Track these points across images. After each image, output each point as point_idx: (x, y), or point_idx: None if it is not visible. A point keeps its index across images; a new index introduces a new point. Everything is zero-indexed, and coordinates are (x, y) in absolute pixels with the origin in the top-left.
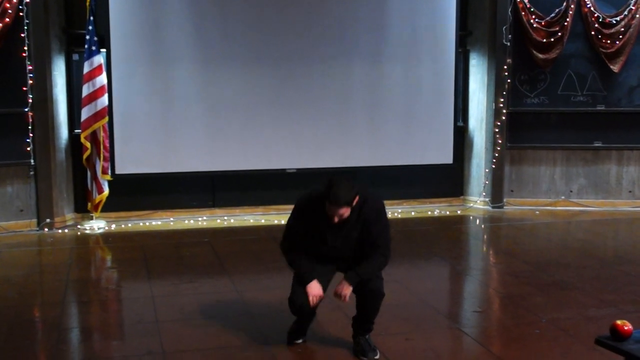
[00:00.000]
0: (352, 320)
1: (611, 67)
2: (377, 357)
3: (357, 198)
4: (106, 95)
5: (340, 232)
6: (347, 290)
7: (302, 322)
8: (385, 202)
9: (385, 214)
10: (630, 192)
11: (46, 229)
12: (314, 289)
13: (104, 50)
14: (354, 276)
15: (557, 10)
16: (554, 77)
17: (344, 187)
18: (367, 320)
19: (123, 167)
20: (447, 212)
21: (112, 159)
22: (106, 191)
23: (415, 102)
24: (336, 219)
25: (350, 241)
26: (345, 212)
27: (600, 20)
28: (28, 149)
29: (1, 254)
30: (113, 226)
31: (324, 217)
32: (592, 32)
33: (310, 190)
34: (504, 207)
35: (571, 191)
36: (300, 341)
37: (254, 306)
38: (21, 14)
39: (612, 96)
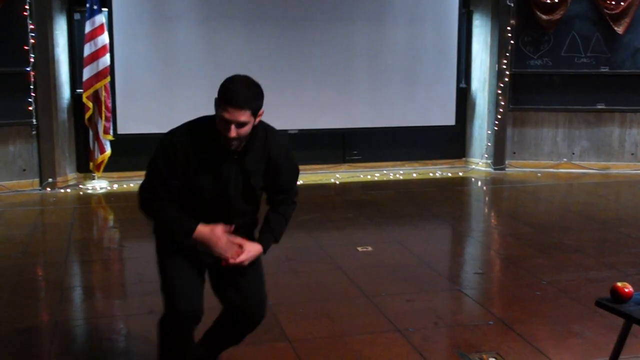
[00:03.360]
0: (206, 333)
1: (615, 28)
2: None
3: (262, 111)
4: (108, 55)
5: (239, 170)
6: (253, 255)
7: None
8: (387, 163)
9: (293, 155)
10: (632, 154)
11: (48, 189)
12: (217, 228)
13: (105, 9)
14: (269, 237)
15: None
16: (558, 39)
17: (244, 84)
18: (225, 345)
19: (125, 126)
20: (449, 174)
21: (114, 119)
22: (108, 151)
23: (418, 63)
24: (233, 133)
25: (248, 190)
26: (246, 119)
27: None
28: (30, 108)
29: (4, 213)
30: (115, 186)
31: (213, 150)
32: None
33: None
34: (506, 169)
35: (573, 153)
36: None
37: None
38: None
39: (616, 58)
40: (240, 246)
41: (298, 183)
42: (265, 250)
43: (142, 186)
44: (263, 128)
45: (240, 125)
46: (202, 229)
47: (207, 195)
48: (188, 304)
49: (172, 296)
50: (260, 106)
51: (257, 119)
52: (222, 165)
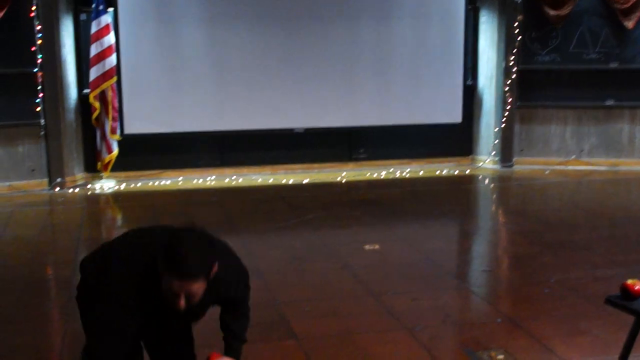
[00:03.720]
0: None
1: (625, 23)
2: None
3: (215, 265)
4: (114, 55)
5: (190, 312)
6: None
7: None
8: (394, 161)
9: (242, 265)
10: None
11: (57, 189)
12: None
13: (111, 9)
14: (237, 345)
15: None
16: (566, 34)
17: (194, 244)
18: None
19: (132, 126)
20: (456, 172)
21: (121, 119)
22: (115, 151)
23: (424, 60)
24: (183, 305)
25: (199, 316)
26: (199, 287)
27: None
28: (38, 109)
29: (14, 213)
30: (123, 185)
31: (159, 308)
32: None
33: (116, 260)
34: (514, 167)
35: (582, 150)
36: None
37: (263, 264)
38: None
39: (625, 53)
40: None
41: (304, 182)
42: (238, 359)
43: (91, 349)
44: (216, 276)
45: (193, 294)
46: None
47: (151, 334)
48: None
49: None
50: (213, 263)
51: (211, 276)
52: (168, 314)
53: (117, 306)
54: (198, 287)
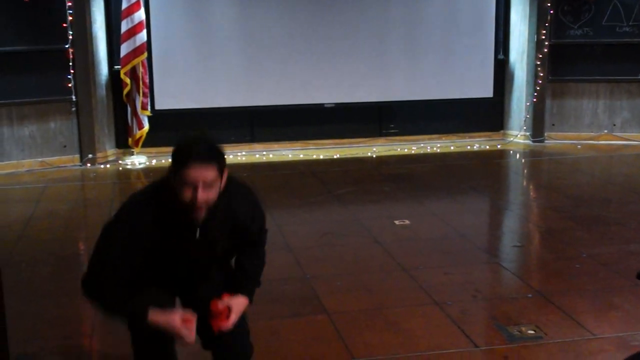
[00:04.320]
0: None
1: None
2: None
3: (226, 171)
4: (145, 31)
5: (203, 241)
6: (241, 309)
7: None
8: (425, 136)
9: (260, 202)
10: None
11: (89, 164)
12: (175, 318)
13: None
14: (251, 286)
15: None
16: (599, 8)
17: (204, 137)
18: None
19: (162, 102)
20: (487, 147)
21: (151, 95)
22: (146, 127)
23: (455, 34)
24: (202, 196)
25: (213, 258)
26: (213, 176)
27: None
28: (69, 85)
29: (46, 189)
30: (154, 161)
31: (173, 224)
32: None
33: (132, 197)
34: (545, 142)
35: (614, 125)
36: None
37: (293, 240)
38: None
39: None
40: (228, 308)
41: (334, 157)
42: (251, 300)
43: (88, 276)
44: (229, 193)
45: (208, 185)
46: (157, 317)
47: (170, 271)
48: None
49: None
50: (225, 163)
51: (223, 181)
52: (184, 240)
53: (126, 229)
54: (212, 178)
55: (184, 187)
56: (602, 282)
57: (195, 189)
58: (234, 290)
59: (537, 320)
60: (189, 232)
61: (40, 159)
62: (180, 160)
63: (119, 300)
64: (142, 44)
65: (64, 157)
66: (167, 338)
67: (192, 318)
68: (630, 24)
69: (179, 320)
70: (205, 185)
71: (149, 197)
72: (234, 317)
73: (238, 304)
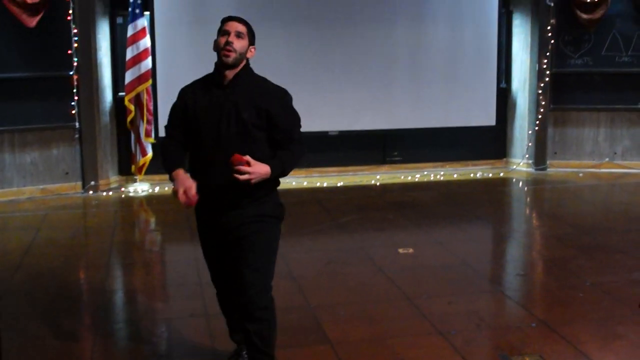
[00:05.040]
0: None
1: None
2: None
3: (254, 48)
4: (150, 58)
5: (231, 103)
6: (260, 172)
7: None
8: (428, 164)
9: (292, 102)
10: None
11: (91, 192)
12: (181, 185)
13: (147, 13)
14: (277, 164)
15: None
16: (599, 38)
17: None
18: (258, 350)
19: None
20: (490, 175)
21: (155, 122)
22: (150, 154)
23: (458, 63)
24: (232, 38)
25: (241, 126)
26: (242, 30)
27: None
28: (73, 112)
29: (47, 216)
30: (157, 189)
31: (205, 91)
32: None
33: None
34: (547, 170)
35: (615, 153)
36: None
37: (297, 268)
38: None
39: None
40: (248, 162)
41: (338, 185)
42: (272, 173)
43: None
44: (258, 76)
45: (238, 35)
46: (178, 175)
47: (202, 131)
48: (215, 281)
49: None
50: (254, 37)
51: (251, 49)
52: (213, 100)
53: (178, 96)
54: (243, 30)
55: (221, 36)
56: (606, 311)
57: (228, 34)
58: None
59: (541, 349)
60: (217, 88)
61: (41, 186)
62: (223, 20)
63: (167, 147)
64: (147, 71)
65: (66, 185)
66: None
67: (192, 187)
68: (629, 53)
69: (182, 189)
70: (237, 35)
71: (200, 77)
72: (251, 169)
73: (259, 164)
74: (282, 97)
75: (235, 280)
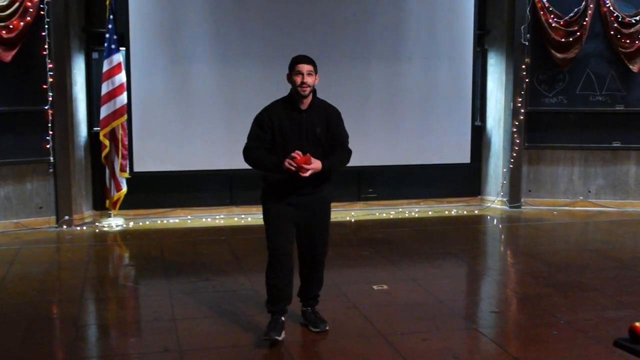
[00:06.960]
0: (299, 291)
1: (630, 66)
2: (327, 327)
3: (318, 76)
4: (125, 94)
5: (307, 123)
6: (314, 166)
7: (280, 286)
8: (403, 201)
9: (343, 121)
10: None
11: (65, 226)
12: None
13: (123, 48)
14: (328, 163)
15: (575, 9)
16: (573, 77)
17: (305, 55)
18: (312, 290)
19: (141, 164)
20: (465, 212)
21: (130, 157)
22: (124, 189)
23: (433, 101)
24: (306, 78)
25: (315, 138)
26: (311, 69)
27: (620, 19)
28: (47, 146)
29: (21, 250)
30: (131, 224)
31: (288, 111)
32: (611, 32)
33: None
34: (522, 207)
35: (589, 191)
36: (279, 338)
37: None
38: (42, 12)
39: (631, 96)
40: (310, 158)
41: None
42: (323, 169)
43: (245, 146)
44: (321, 100)
45: (309, 73)
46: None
47: (289, 142)
48: (281, 244)
49: (272, 237)
50: (317, 68)
51: (316, 78)
52: (295, 120)
53: (260, 116)
54: (311, 70)
55: (295, 75)
56: (580, 349)
57: (302, 75)
58: None
59: None
60: (297, 112)
61: (15, 220)
62: (294, 61)
63: (259, 157)
64: (122, 106)
65: (40, 219)
66: (288, 226)
67: (295, 156)
68: (602, 93)
69: (287, 160)
70: (308, 73)
71: (275, 101)
72: (311, 165)
73: (315, 160)
74: (338, 115)
75: (310, 240)
